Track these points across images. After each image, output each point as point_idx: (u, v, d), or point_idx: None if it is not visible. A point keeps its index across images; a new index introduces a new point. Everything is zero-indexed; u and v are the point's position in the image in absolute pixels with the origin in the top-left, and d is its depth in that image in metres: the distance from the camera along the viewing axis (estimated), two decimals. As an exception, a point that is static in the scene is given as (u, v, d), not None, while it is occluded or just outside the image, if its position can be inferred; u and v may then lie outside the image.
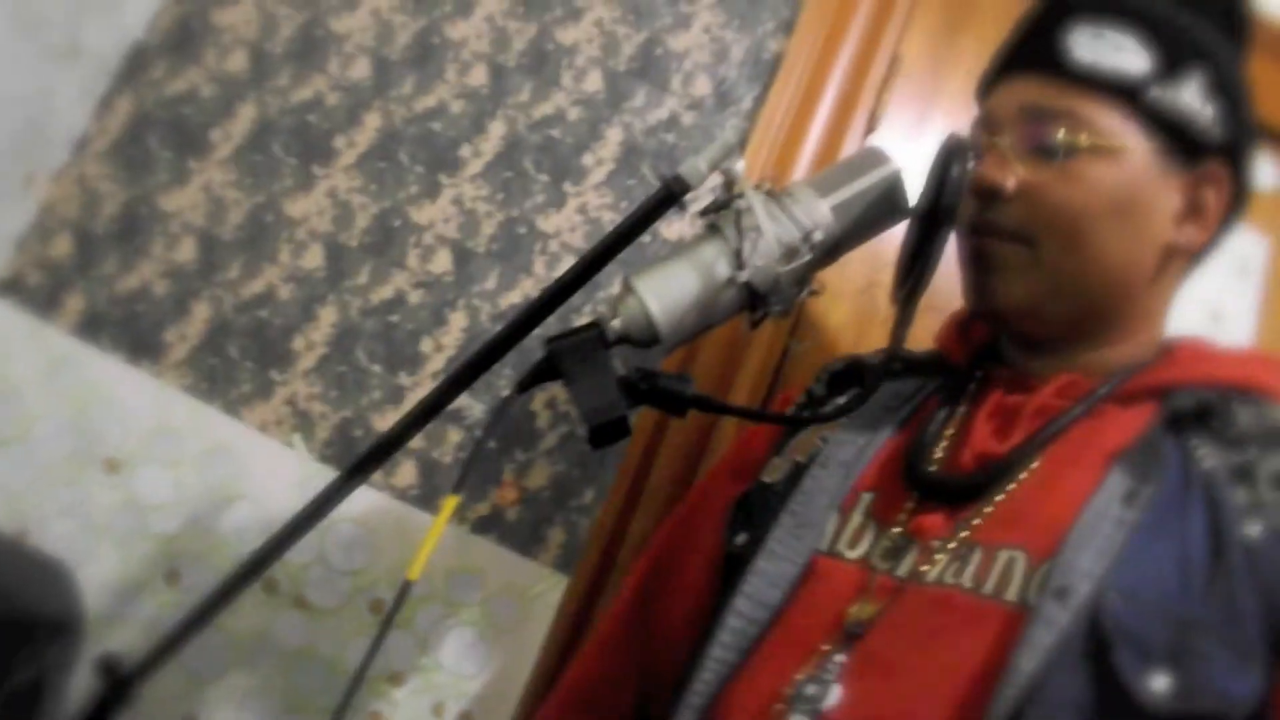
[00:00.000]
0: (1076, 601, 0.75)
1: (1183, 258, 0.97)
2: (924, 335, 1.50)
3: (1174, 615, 0.74)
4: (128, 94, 1.52)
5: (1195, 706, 0.71)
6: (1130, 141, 0.93)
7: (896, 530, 0.94)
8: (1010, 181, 0.95)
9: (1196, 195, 0.95)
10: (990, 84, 1.05)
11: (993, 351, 1.06)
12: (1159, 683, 0.71)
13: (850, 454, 1.04)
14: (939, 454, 0.98)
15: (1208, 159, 0.94)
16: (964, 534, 0.89)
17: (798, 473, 1.06)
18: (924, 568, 0.89)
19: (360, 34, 1.56)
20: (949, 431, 1.00)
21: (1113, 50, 0.94)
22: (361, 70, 1.55)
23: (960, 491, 0.93)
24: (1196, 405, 0.86)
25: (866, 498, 0.99)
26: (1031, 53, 0.99)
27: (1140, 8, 0.96)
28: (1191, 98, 0.93)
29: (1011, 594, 0.81)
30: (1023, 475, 0.90)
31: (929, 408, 1.04)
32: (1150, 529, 0.78)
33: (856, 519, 0.98)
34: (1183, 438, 0.85)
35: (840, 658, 0.87)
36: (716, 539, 1.08)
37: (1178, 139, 0.93)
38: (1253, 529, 0.77)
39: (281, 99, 1.53)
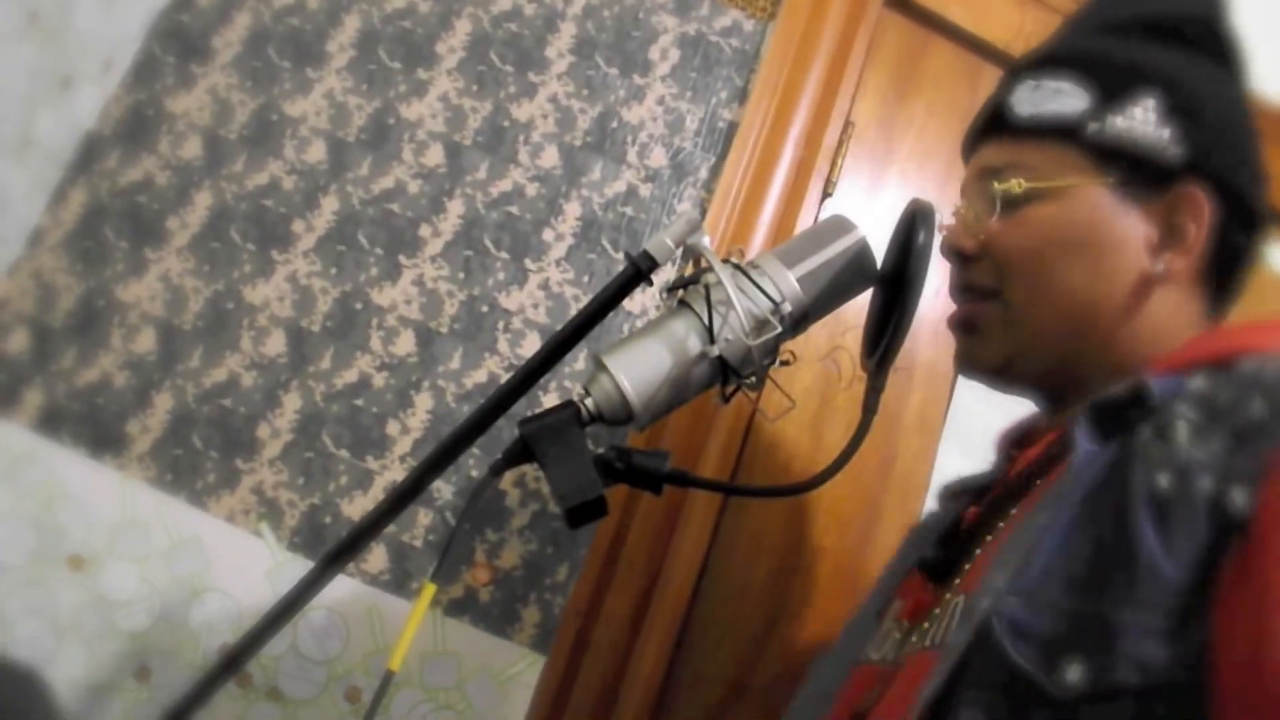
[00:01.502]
0: (974, 619, 0.73)
1: (1170, 285, 0.91)
2: (888, 397, 1.53)
3: (1083, 600, 0.70)
4: (81, 185, 1.51)
5: (1112, 682, 0.65)
6: (1076, 179, 0.92)
7: (906, 623, 0.95)
8: (968, 243, 0.98)
9: (1171, 221, 0.90)
10: (966, 154, 1.07)
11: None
12: (1072, 673, 0.67)
13: (894, 572, 1.08)
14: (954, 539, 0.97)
15: (1178, 182, 0.90)
16: (946, 596, 0.88)
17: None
18: (914, 640, 0.89)
19: (315, 117, 1.56)
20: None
21: (1050, 96, 0.95)
22: (317, 153, 1.55)
23: (945, 562, 0.92)
24: (1128, 393, 0.79)
25: (898, 604, 1.01)
26: (987, 120, 1.03)
27: (1077, 51, 0.98)
28: (1142, 123, 0.91)
29: (952, 636, 0.79)
30: (1000, 525, 0.88)
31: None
32: (1068, 524, 0.74)
33: (888, 624, 1.00)
34: (1132, 430, 0.77)
35: None
36: None
37: (1135, 169, 0.91)
38: (1162, 479, 0.70)
39: (238, 185, 1.53)
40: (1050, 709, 0.67)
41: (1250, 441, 0.68)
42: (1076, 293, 0.92)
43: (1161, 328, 0.91)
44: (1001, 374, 0.99)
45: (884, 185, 1.65)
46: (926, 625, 0.88)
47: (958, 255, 0.99)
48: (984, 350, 0.98)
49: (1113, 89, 0.93)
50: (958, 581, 0.88)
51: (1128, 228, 0.91)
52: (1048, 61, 0.98)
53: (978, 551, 0.88)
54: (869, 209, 1.62)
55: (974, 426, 1.55)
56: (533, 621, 1.41)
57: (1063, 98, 0.95)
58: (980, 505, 0.94)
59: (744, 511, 1.48)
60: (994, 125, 1.01)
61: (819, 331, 1.54)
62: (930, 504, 1.50)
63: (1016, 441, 1.05)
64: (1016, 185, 0.94)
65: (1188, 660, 0.64)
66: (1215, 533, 0.65)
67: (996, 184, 0.95)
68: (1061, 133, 0.94)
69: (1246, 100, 0.98)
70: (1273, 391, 0.70)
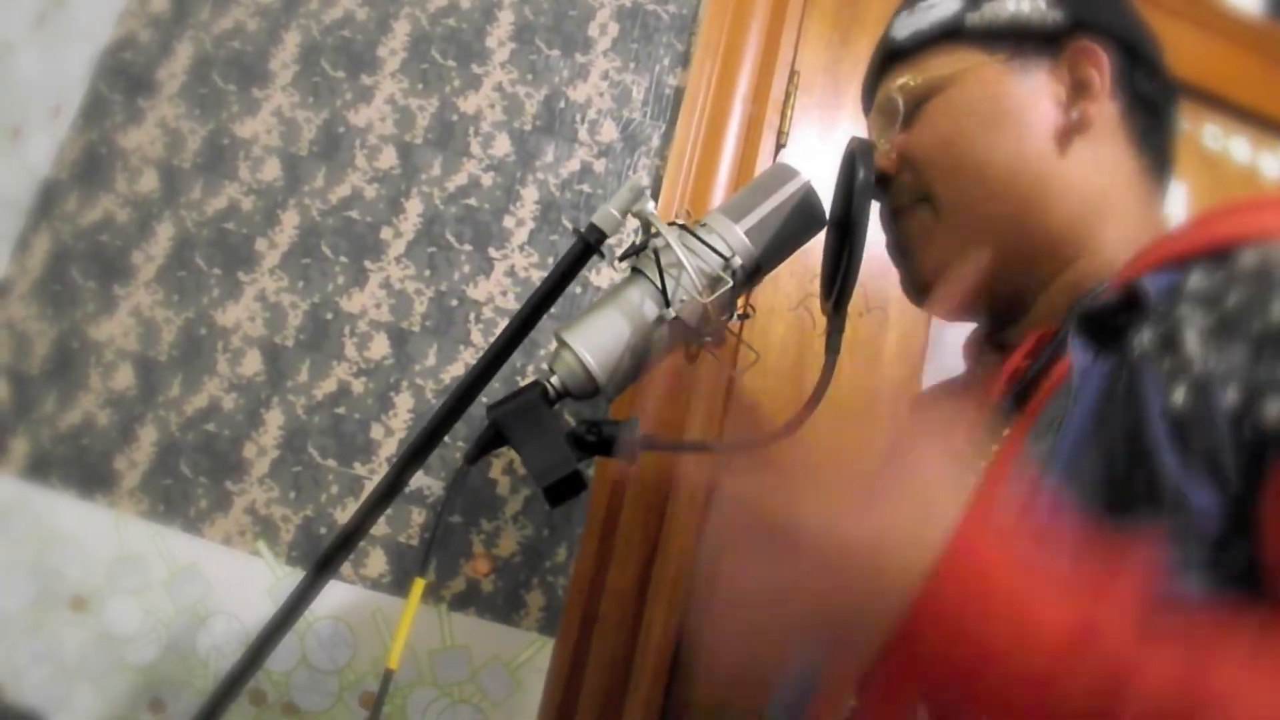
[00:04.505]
0: None
1: (1091, 136, 0.92)
2: (865, 337, 1.52)
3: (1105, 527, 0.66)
4: (44, 231, 1.52)
5: None
6: (966, 63, 0.94)
7: None
8: (885, 162, 0.98)
9: (1075, 77, 0.93)
10: (866, 104, 1.09)
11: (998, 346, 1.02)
12: None
13: None
14: None
15: (1069, 40, 0.93)
16: None
17: None
18: None
19: (266, 135, 1.57)
20: None
21: (925, 12, 0.98)
22: (272, 171, 1.55)
23: None
24: (1122, 297, 0.77)
25: None
26: (877, 60, 1.05)
27: None
28: (1015, 2, 0.94)
29: None
30: (995, 448, 0.84)
31: None
32: (1073, 445, 0.72)
33: None
34: (1125, 337, 0.75)
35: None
36: None
37: (1022, 41, 0.93)
38: (1177, 395, 0.67)
39: (197, 212, 1.53)
40: None
41: (1276, 348, 0.64)
42: (998, 165, 0.91)
43: (1097, 186, 0.92)
44: None
45: (836, 129, 1.64)
46: None
47: (881, 178, 0.99)
48: (926, 260, 0.96)
49: None
50: None
51: (1031, 90, 0.93)
52: None
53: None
54: (824, 154, 1.61)
55: (957, 352, 1.54)
56: (538, 606, 1.41)
57: (937, 8, 0.98)
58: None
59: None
60: (883, 61, 1.03)
61: (788, 281, 1.53)
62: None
63: (985, 343, 1.04)
64: (911, 80, 0.96)
65: (1225, 588, 0.61)
66: (1245, 450, 0.62)
67: (898, 93, 0.97)
68: (946, 36, 0.96)
69: None
70: None
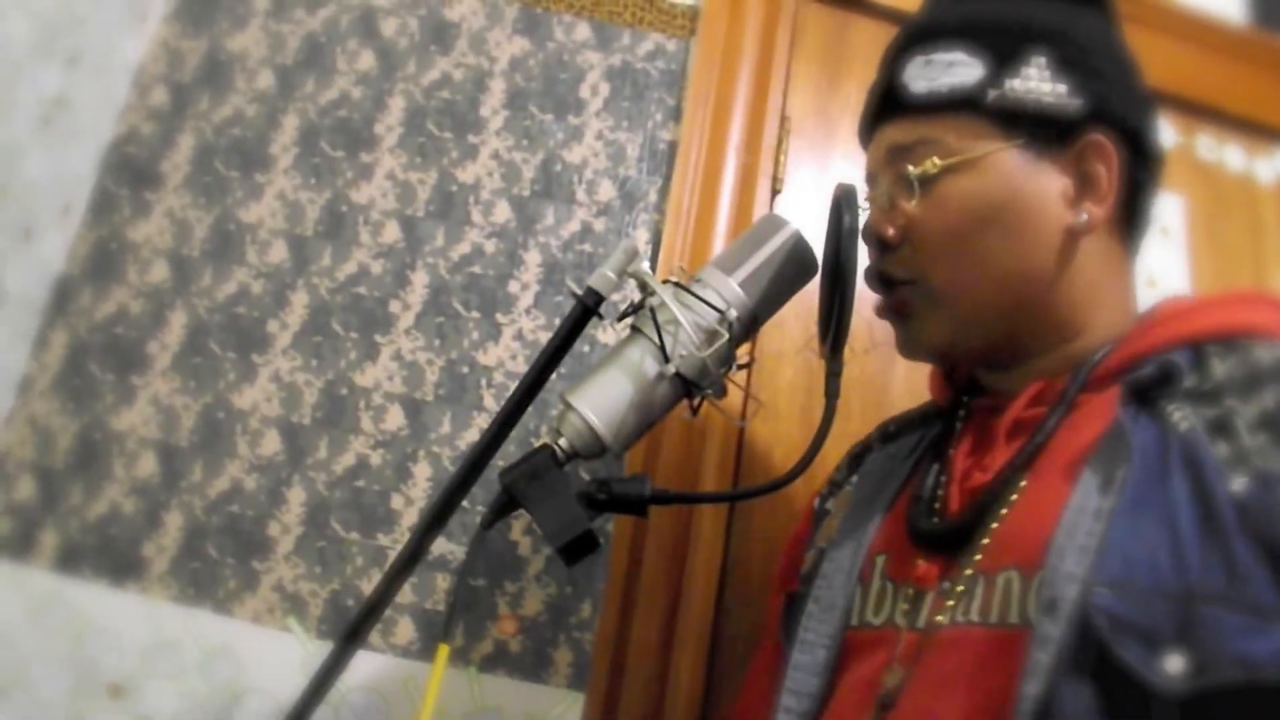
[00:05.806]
0: (1066, 610, 0.73)
1: (1093, 233, 0.94)
2: (873, 373, 1.53)
3: (1173, 591, 0.70)
4: (60, 327, 1.55)
5: (1216, 679, 0.67)
6: (986, 147, 0.94)
7: (909, 587, 0.93)
8: (889, 230, 0.99)
9: (1082, 170, 0.93)
10: (865, 138, 1.09)
11: (975, 385, 1.06)
12: (1173, 664, 0.68)
13: (859, 526, 1.06)
14: (936, 502, 0.98)
15: (1082, 132, 0.93)
16: (968, 571, 0.87)
17: (821, 559, 1.09)
18: (939, 616, 0.87)
19: (270, 219, 1.60)
20: (943, 477, 1.00)
21: (944, 70, 0.97)
22: (279, 253, 1.59)
23: (954, 535, 0.91)
24: (1158, 371, 0.83)
25: (881, 560, 1.00)
26: (883, 101, 1.03)
27: (960, 20, 0.99)
28: (1037, 82, 0.93)
29: (1014, 615, 0.79)
30: (1014, 496, 0.87)
31: (926, 458, 1.05)
32: (1132, 511, 0.75)
33: (876, 584, 0.98)
34: (1158, 407, 0.81)
35: None
36: (776, 644, 1.12)
37: (1039, 126, 0.93)
38: (1238, 483, 0.73)
39: (209, 298, 1.56)
40: (1151, 701, 0.68)
41: None
42: (1006, 263, 0.94)
43: (1094, 276, 0.95)
44: (946, 355, 1.03)
45: (830, 171, 1.66)
46: (951, 602, 0.87)
47: (879, 242, 1.00)
48: (924, 333, 1.00)
49: (1004, 53, 0.95)
50: (978, 557, 0.87)
51: (1044, 185, 0.94)
52: (933, 34, 0.99)
53: (994, 524, 0.88)
54: (820, 198, 1.63)
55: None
56: (566, 662, 1.42)
57: (957, 69, 0.96)
58: (988, 477, 0.93)
59: (752, 516, 1.48)
60: (890, 105, 1.02)
61: (793, 325, 1.55)
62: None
63: (949, 378, 1.10)
64: (932, 165, 0.95)
65: None
66: None
67: (911, 167, 0.97)
68: (962, 104, 0.95)
69: (1123, 38, 1.01)
70: None
